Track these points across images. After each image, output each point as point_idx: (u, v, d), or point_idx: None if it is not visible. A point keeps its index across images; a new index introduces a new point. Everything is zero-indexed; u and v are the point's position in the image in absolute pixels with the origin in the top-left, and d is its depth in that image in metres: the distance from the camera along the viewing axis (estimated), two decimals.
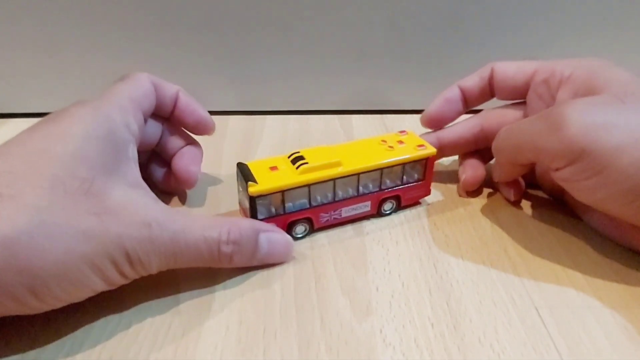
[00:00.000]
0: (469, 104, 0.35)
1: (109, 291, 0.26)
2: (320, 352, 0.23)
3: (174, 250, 0.24)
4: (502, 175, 0.33)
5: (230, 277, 0.27)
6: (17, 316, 0.24)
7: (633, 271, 0.27)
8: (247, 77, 0.48)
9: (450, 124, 0.36)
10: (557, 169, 0.26)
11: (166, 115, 0.33)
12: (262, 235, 0.27)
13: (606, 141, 0.24)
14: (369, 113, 0.50)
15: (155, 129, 0.33)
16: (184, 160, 0.33)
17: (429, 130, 0.36)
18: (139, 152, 0.29)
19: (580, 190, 0.26)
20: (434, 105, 0.35)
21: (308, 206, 0.30)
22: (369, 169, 0.30)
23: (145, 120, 0.30)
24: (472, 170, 0.35)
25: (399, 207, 0.33)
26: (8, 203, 0.20)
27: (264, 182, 0.28)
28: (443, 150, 0.35)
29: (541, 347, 0.23)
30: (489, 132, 0.34)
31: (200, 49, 0.46)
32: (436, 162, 0.35)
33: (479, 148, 0.36)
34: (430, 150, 0.32)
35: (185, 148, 0.34)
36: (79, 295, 0.23)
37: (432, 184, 0.34)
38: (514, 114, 0.34)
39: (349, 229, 0.31)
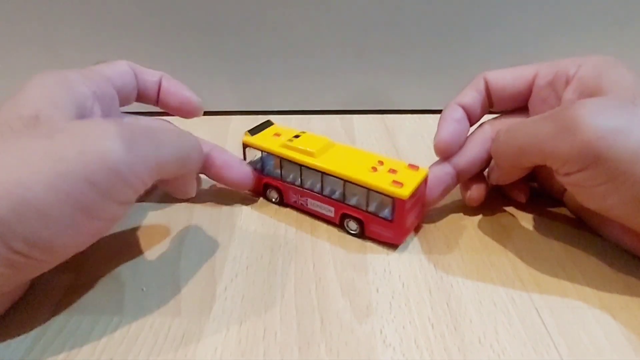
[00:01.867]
0: (472, 120, 0.33)
1: (109, 293, 0.26)
2: (320, 353, 0.23)
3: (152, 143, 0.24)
4: (500, 178, 0.31)
5: (231, 279, 0.27)
6: (18, 317, 0.24)
7: (633, 271, 0.27)
8: (248, 78, 0.48)
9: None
10: (567, 174, 0.25)
11: (152, 103, 0.33)
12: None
13: (623, 147, 0.22)
14: (370, 113, 0.50)
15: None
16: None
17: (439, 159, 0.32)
18: None
19: (591, 195, 0.25)
20: (446, 130, 0.31)
21: (280, 178, 0.33)
22: (331, 173, 0.30)
23: (126, 101, 0.31)
24: (476, 185, 0.32)
25: (363, 234, 0.30)
26: None
27: (257, 139, 0.33)
28: (460, 176, 0.31)
29: (541, 347, 0.23)
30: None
31: (201, 50, 0.46)
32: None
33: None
34: (402, 192, 0.27)
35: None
36: (73, 235, 0.22)
37: None
38: (518, 120, 0.31)
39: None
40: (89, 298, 0.26)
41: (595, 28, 0.45)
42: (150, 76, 0.32)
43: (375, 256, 0.29)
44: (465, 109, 0.32)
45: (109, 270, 0.27)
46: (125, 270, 0.28)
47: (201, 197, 0.35)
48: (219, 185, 0.37)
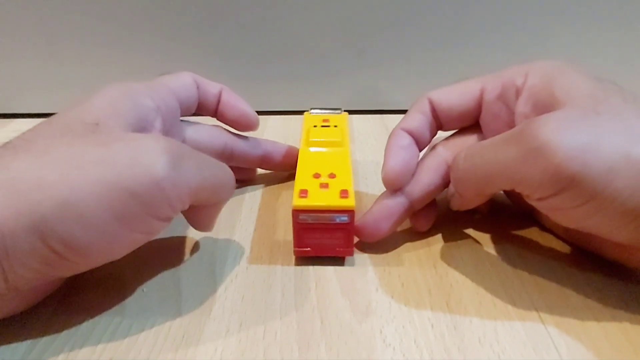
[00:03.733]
0: (420, 145, 0.30)
1: (109, 293, 0.26)
2: (320, 352, 0.23)
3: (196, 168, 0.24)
4: (463, 206, 0.29)
5: (231, 279, 0.27)
6: (18, 317, 0.24)
7: (632, 272, 0.27)
8: (247, 78, 0.48)
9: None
10: (540, 199, 0.23)
11: (211, 114, 0.34)
12: None
13: (596, 164, 0.21)
14: (369, 113, 0.50)
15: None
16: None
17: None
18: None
19: (571, 217, 0.23)
20: (394, 159, 0.28)
21: None
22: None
23: (187, 112, 0.32)
24: (425, 214, 0.30)
25: None
26: (23, 154, 0.21)
27: None
28: (414, 206, 0.29)
29: (541, 347, 0.23)
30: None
31: (200, 49, 0.46)
32: None
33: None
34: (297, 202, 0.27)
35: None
36: (106, 245, 0.22)
37: None
38: (472, 139, 0.30)
39: None
40: (89, 298, 0.26)
41: (595, 28, 0.45)
42: (212, 88, 0.33)
43: (375, 256, 0.29)
44: (412, 134, 0.30)
45: (110, 270, 0.27)
46: (125, 270, 0.28)
47: None
48: None
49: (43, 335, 0.24)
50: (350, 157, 0.32)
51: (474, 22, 0.45)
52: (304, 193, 0.27)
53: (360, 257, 0.29)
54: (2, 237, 0.19)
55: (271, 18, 0.45)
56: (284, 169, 0.38)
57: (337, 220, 0.27)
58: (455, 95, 0.30)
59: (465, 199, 0.28)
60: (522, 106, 0.27)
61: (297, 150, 0.33)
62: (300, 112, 0.49)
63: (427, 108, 0.30)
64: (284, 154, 0.37)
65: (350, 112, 0.49)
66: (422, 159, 0.31)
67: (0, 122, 0.48)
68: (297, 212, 0.27)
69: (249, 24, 0.45)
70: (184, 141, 0.32)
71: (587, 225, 0.23)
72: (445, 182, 0.29)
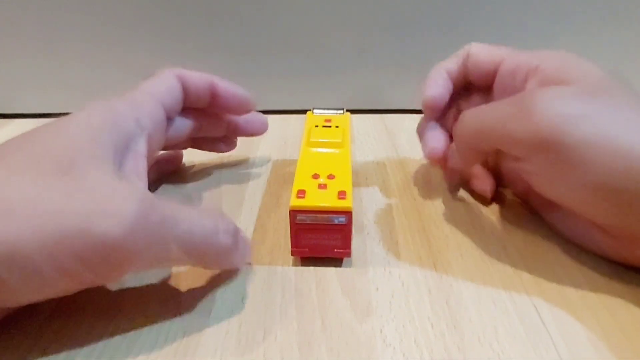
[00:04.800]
0: (454, 87, 0.34)
1: (109, 293, 0.26)
2: (320, 352, 0.23)
3: (162, 237, 0.22)
4: (460, 162, 0.31)
5: (231, 279, 0.27)
6: (18, 317, 0.24)
7: (632, 271, 0.27)
8: (246, 77, 0.48)
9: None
10: (520, 159, 0.25)
11: (204, 106, 0.33)
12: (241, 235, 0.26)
13: (574, 134, 0.22)
14: (369, 113, 0.50)
15: (186, 122, 0.33)
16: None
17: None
18: (173, 143, 0.31)
19: (542, 182, 0.25)
20: (434, 87, 0.33)
21: None
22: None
23: (173, 115, 0.31)
24: (437, 142, 0.33)
25: None
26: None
27: None
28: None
29: (541, 346, 0.23)
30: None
31: (199, 49, 0.46)
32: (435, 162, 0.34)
33: (425, 128, 0.35)
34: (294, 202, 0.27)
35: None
36: (55, 285, 0.21)
37: (433, 182, 0.35)
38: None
39: None
40: (88, 298, 0.26)
41: (595, 27, 0.45)
42: (202, 82, 0.32)
43: (375, 255, 0.29)
44: (451, 73, 0.33)
45: None
46: None
47: (201, 197, 0.35)
48: (219, 184, 0.37)
49: (42, 336, 0.24)
50: (350, 158, 0.32)
51: (474, 22, 0.45)
52: (301, 193, 0.27)
53: (360, 257, 0.29)
54: None
55: (271, 17, 0.45)
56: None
57: (335, 222, 0.27)
58: (484, 54, 0.32)
59: (462, 153, 0.30)
60: (532, 85, 0.28)
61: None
62: (300, 112, 0.49)
63: (463, 57, 0.33)
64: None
65: (351, 111, 0.49)
66: None
67: (0, 122, 0.48)
68: (294, 213, 0.27)
69: (249, 23, 0.45)
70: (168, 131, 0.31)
71: (556, 193, 0.25)
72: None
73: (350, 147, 0.33)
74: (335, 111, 0.38)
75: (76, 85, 0.47)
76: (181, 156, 0.39)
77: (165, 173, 0.38)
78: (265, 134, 0.45)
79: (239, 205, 0.34)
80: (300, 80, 0.48)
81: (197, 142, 0.37)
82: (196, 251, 0.23)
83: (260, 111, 0.49)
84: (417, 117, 0.36)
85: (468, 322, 0.24)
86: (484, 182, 0.34)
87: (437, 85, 0.33)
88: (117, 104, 0.26)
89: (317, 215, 0.27)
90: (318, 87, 0.49)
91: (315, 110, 0.38)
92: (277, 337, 0.24)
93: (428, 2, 0.44)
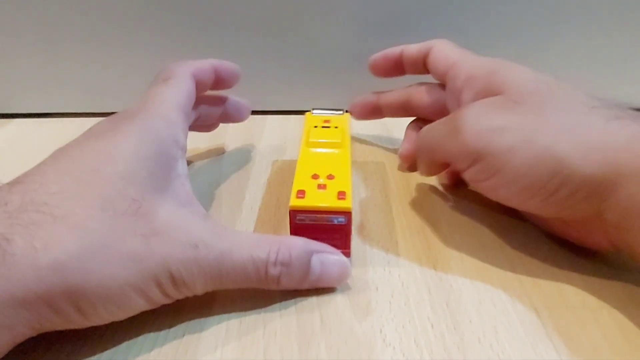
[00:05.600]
0: (406, 69, 0.38)
1: None
2: (320, 351, 0.23)
3: (220, 271, 0.23)
4: (423, 172, 0.34)
5: None
6: None
7: (631, 271, 0.27)
8: (246, 77, 0.48)
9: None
10: (462, 170, 0.28)
11: (204, 92, 0.34)
12: (315, 257, 0.25)
13: (498, 144, 0.25)
14: None
15: (192, 115, 0.33)
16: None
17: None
18: None
19: (485, 189, 0.28)
20: (376, 55, 0.38)
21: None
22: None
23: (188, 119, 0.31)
24: (408, 144, 0.38)
25: None
26: (58, 224, 0.20)
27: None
28: (380, 108, 0.39)
29: (540, 347, 0.23)
30: (415, 104, 0.38)
31: (199, 49, 0.46)
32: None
33: (409, 116, 0.39)
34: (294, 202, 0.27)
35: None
36: (122, 315, 0.22)
37: (433, 183, 0.35)
38: (437, 94, 0.36)
39: None
40: None
41: (595, 27, 0.46)
42: (207, 72, 0.33)
43: (375, 255, 0.29)
44: (404, 56, 0.37)
45: None
46: None
47: (200, 197, 0.35)
48: (218, 183, 0.37)
49: (43, 336, 0.23)
50: (350, 159, 0.32)
51: (474, 22, 0.45)
52: (301, 193, 0.27)
53: (360, 257, 0.29)
54: None
55: (271, 17, 0.45)
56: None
57: (335, 222, 0.27)
58: (441, 54, 0.34)
59: (424, 165, 0.33)
60: (466, 95, 0.30)
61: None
62: (300, 112, 0.49)
63: (425, 50, 0.36)
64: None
65: (350, 111, 0.50)
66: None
67: None
68: (294, 212, 0.27)
69: (249, 23, 0.45)
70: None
71: (499, 197, 0.28)
72: (402, 108, 0.39)
73: (349, 148, 0.33)
74: (334, 112, 0.38)
75: (76, 85, 0.47)
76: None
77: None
78: (265, 134, 0.45)
79: (239, 205, 0.34)
80: (299, 80, 0.48)
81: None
82: (248, 281, 0.24)
83: (260, 111, 0.49)
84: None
85: (468, 322, 0.24)
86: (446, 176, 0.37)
87: (379, 57, 0.38)
88: (155, 125, 0.26)
89: (317, 215, 0.27)
90: (318, 87, 0.49)
91: (314, 111, 0.39)
92: (276, 336, 0.24)
93: (428, 3, 0.44)
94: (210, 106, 0.36)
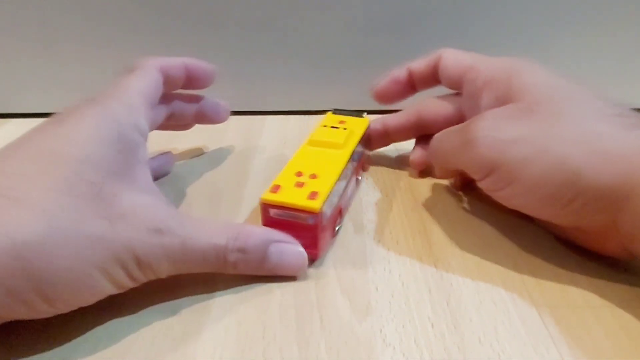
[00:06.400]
0: (417, 86, 0.37)
1: None
2: (320, 352, 0.23)
3: (184, 257, 0.24)
4: (438, 175, 0.35)
5: (230, 278, 0.27)
6: (17, 321, 0.24)
7: (633, 270, 0.27)
8: (246, 77, 0.48)
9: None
10: (478, 180, 0.28)
11: (176, 89, 0.34)
12: (273, 246, 0.26)
13: (512, 155, 0.25)
14: (369, 113, 0.49)
15: (161, 112, 0.33)
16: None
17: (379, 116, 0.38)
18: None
19: (500, 198, 0.28)
20: (381, 82, 0.37)
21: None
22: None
23: (153, 109, 0.30)
24: (420, 151, 0.36)
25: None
26: (16, 207, 0.20)
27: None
28: (389, 135, 0.37)
29: (541, 346, 0.23)
30: (428, 122, 0.36)
31: (199, 49, 0.46)
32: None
33: (420, 135, 0.37)
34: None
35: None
36: (89, 299, 0.22)
37: (434, 183, 0.35)
38: (450, 105, 0.35)
39: (349, 227, 0.31)
40: None
41: (595, 26, 0.45)
42: (177, 69, 0.32)
43: (375, 255, 0.29)
44: (411, 74, 0.36)
45: None
46: None
47: (199, 196, 0.35)
48: (217, 183, 0.37)
49: (41, 336, 0.23)
50: (345, 162, 0.31)
51: (474, 22, 0.45)
52: (276, 188, 0.27)
53: (360, 257, 0.29)
54: None
55: (270, 18, 0.45)
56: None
57: (303, 221, 0.27)
58: (452, 60, 0.34)
59: (438, 170, 0.34)
60: (485, 98, 0.30)
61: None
62: (300, 112, 0.49)
63: (433, 61, 0.35)
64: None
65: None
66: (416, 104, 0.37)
67: None
68: (264, 206, 0.27)
69: (249, 23, 0.45)
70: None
71: (515, 205, 0.28)
72: (414, 128, 0.37)
73: (352, 151, 0.32)
74: (354, 114, 0.37)
75: (76, 85, 0.47)
76: (173, 161, 0.39)
77: (158, 178, 0.37)
78: (265, 134, 0.45)
79: (238, 204, 0.34)
80: (300, 80, 0.48)
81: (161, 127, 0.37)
82: (209, 266, 0.25)
83: (260, 111, 0.49)
84: None
85: (468, 322, 0.24)
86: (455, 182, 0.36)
87: (388, 82, 0.37)
88: (116, 110, 0.26)
89: (286, 211, 0.27)
90: (318, 87, 0.49)
91: (334, 111, 0.38)
92: (276, 336, 0.24)
93: (428, 3, 0.44)
94: (184, 104, 0.36)
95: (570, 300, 0.26)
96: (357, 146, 0.33)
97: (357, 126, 0.35)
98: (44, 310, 0.21)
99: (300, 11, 0.44)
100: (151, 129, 0.33)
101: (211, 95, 0.48)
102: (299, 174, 0.29)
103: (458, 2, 0.44)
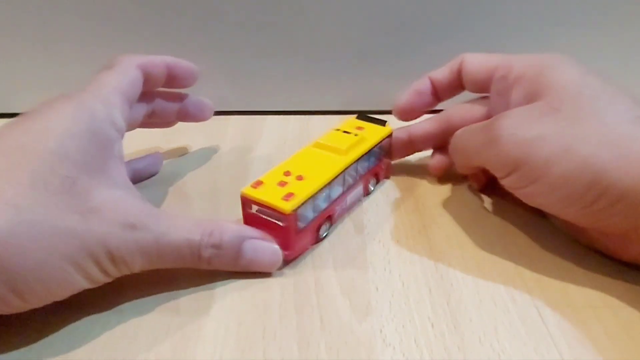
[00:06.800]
0: (440, 96, 0.35)
1: (108, 292, 0.26)
2: (320, 352, 0.23)
3: (159, 252, 0.24)
4: (460, 170, 0.35)
5: (230, 278, 0.27)
6: (16, 316, 0.24)
7: (634, 270, 0.27)
8: (247, 77, 0.48)
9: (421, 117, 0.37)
10: (500, 178, 0.28)
11: (157, 87, 0.34)
12: (248, 242, 0.26)
13: (537, 154, 0.25)
14: (369, 113, 0.49)
15: (141, 109, 0.33)
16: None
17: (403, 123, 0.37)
18: (128, 128, 0.30)
19: (523, 195, 0.28)
20: (404, 97, 0.35)
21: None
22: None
23: (131, 106, 0.30)
24: (440, 157, 0.36)
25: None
26: None
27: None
28: (414, 144, 0.36)
29: (542, 346, 0.23)
30: (456, 127, 0.34)
31: (199, 49, 0.46)
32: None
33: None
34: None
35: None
36: (62, 293, 0.23)
37: (435, 183, 0.35)
38: (480, 109, 0.34)
39: (349, 227, 0.31)
40: (87, 297, 0.26)
41: (596, 26, 0.45)
42: (159, 68, 0.32)
43: (375, 255, 0.29)
44: (434, 83, 0.35)
45: None
46: None
47: (199, 196, 0.35)
48: (217, 183, 0.37)
49: (41, 335, 0.23)
50: (342, 168, 0.30)
51: (474, 21, 0.45)
52: (257, 184, 0.28)
53: (360, 257, 0.29)
54: None
55: (271, 17, 0.45)
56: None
57: (276, 220, 0.27)
58: (477, 62, 0.33)
59: (459, 167, 0.34)
60: (515, 94, 0.29)
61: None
62: (300, 112, 0.49)
63: (456, 67, 0.34)
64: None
65: (350, 112, 0.49)
66: (441, 111, 0.36)
67: None
68: (244, 200, 0.27)
69: (249, 23, 0.45)
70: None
71: (537, 204, 0.27)
72: (442, 135, 0.35)
73: (356, 158, 0.31)
74: (377, 122, 0.35)
75: (75, 85, 0.47)
76: (161, 162, 0.39)
77: (144, 179, 0.37)
78: (265, 134, 0.45)
79: (238, 204, 0.34)
80: (300, 80, 0.48)
81: (143, 124, 0.37)
82: (183, 262, 0.25)
83: (260, 111, 0.49)
84: (417, 117, 0.36)
85: (468, 322, 0.24)
86: (474, 183, 0.36)
87: (410, 95, 0.35)
88: (91, 104, 0.26)
89: (263, 208, 0.27)
90: (318, 87, 0.49)
91: (358, 115, 0.36)
92: (276, 336, 0.24)
93: (428, 4, 0.44)
94: (165, 102, 0.36)
95: (570, 300, 0.26)
96: (368, 154, 0.32)
97: (374, 134, 0.34)
98: (16, 305, 0.21)
99: (300, 11, 0.44)
100: (133, 127, 0.34)
101: (212, 95, 0.48)
102: (287, 174, 0.29)
103: (458, 2, 0.44)
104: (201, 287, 0.26)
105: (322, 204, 0.29)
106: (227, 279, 0.27)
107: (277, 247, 0.27)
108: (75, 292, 0.23)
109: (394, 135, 0.35)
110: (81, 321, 0.24)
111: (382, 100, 0.50)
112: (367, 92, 0.49)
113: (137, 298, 0.26)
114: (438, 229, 0.31)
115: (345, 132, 0.33)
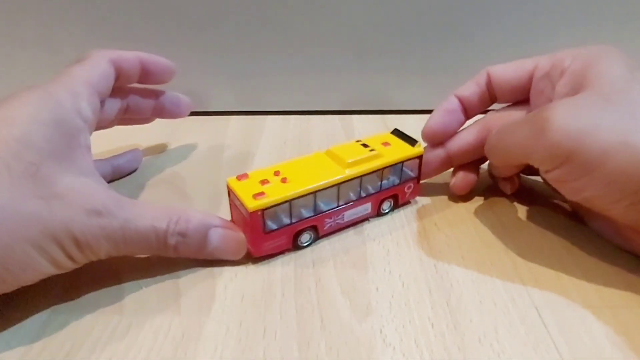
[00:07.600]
0: (469, 113, 0.34)
1: (108, 292, 0.26)
2: (320, 352, 0.23)
3: (124, 238, 0.24)
4: (497, 173, 0.34)
5: (231, 278, 0.27)
6: (17, 316, 0.24)
7: (634, 270, 0.27)
8: (247, 77, 0.48)
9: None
10: (546, 171, 0.26)
11: (131, 83, 0.34)
12: (213, 230, 0.27)
13: (591, 145, 0.24)
14: (370, 113, 0.50)
15: (114, 104, 0.34)
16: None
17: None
18: (100, 126, 0.30)
19: (569, 189, 0.26)
20: (435, 118, 0.33)
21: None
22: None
23: (104, 100, 0.31)
24: (463, 174, 0.34)
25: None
26: None
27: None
28: (452, 160, 0.34)
29: (541, 347, 0.23)
30: None
31: (200, 49, 0.46)
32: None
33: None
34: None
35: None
36: (28, 278, 0.23)
37: (434, 182, 0.35)
38: (519, 113, 0.33)
39: (349, 228, 0.31)
40: (88, 297, 0.26)
41: (596, 25, 0.45)
42: (131, 62, 0.33)
43: (375, 255, 0.29)
44: (462, 101, 0.33)
45: (109, 268, 0.27)
46: (124, 268, 0.28)
47: (199, 196, 0.35)
48: (218, 183, 0.37)
49: (42, 335, 0.23)
50: (336, 180, 0.29)
51: (475, 21, 0.45)
52: (243, 176, 0.28)
53: (360, 257, 0.29)
54: None
55: (271, 18, 0.45)
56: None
57: (245, 215, 0.27)
58: (511, 70, 0.32)
59: (497, 168, 0.33)
60: (562, 86, 0.29)
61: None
62: (300, 112, 0.49)
63: (483, 80, 0.33)
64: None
65: (350, 112, 0.49)
66: (474, 122, 0.34)
67: None
68: (228, 188, 0.28)
69: (250, 23, 0.45)
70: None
71: (583, 198, 0.26)
72: (483, 145, 0.32)
73: (359, 173, 0.29)
74: (408, 140, 0.33)
75: None
76: (140, 158, 0.39)
77: (124, 175, 0.38)
78: (265, 134, 0.45)
79: None
80: (300, 80, 0.48)
81: (121, 121, 0.37)
82: (149, 249, 0.26)
83: (260, 111, 0.49)
84: (418, 118, 0.36)
85: (468, 322, 0.24)
86: (506, 186, 0.35)
87: (440, 115, 0.33)
88: (58, 94, 0.26)
89: (236, 200, 0.27)
90: (318, 87, 0.49)
91: (393, 131, 0.34)
92: (276, 336, 0.24)
93: (428, 2, 0.44)
94: (140, 97, 0.36)
95: (570, 300, 0.26)
96: (383, 173, 0.31)
97: (397, 152, 0.31)
98: None
99: (300, 11, 0.44)
100: (109, 123, 0.34)
101: (212, 94, 0.48)
102: (276, 174, 0.29)
103: (458, 2, 0.44)
104: (202, 287, 0.27)
105: (305, 212, 0.29)
106: (228, 279, 0.27)
107: (242, 235, 0.28)
108: (43, 277, 0.23)
109: (428, 153, 0.33)
110: (81, 321, 0.24)
111: (382, 100, 0.50)
112: (367, 93, 0.49)
113: (138, 299, 0.26)
114: (438, 230, 0.31)
115: (364, 145, 0.32)
